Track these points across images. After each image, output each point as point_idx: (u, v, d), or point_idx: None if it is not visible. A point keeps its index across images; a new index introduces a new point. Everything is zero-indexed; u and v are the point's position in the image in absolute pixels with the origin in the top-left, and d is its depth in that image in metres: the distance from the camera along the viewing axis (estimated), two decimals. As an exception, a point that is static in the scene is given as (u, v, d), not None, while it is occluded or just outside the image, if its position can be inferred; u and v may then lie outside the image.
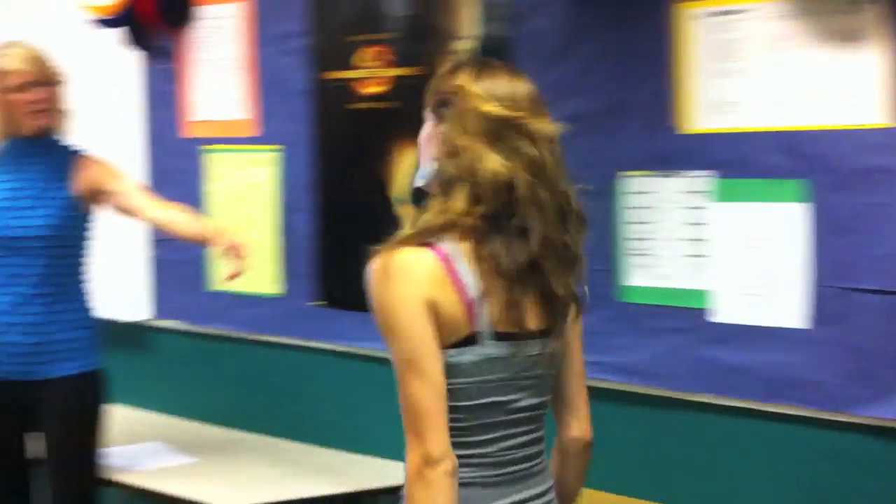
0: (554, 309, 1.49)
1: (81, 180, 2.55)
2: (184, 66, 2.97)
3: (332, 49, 2.66)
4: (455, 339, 1.42)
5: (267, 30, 2.80)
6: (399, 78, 2.55)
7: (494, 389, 1.46)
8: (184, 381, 3.10)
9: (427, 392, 1.39)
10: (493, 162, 1.41)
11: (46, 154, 2.57)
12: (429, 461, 1.37)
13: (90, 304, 2.61)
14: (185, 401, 3.09)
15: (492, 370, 1.45)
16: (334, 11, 2.67)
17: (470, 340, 1.43)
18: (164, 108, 3.02)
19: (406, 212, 2.57)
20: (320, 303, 2.76)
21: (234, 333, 2.98)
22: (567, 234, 1.47)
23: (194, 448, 2.82)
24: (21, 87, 2.49)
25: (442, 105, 1.48)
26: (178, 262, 3.01)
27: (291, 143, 2.78)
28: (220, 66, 2.90)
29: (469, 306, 1.41)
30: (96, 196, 2.55)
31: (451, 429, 1.42)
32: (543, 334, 1.49)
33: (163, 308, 3.09)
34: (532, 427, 1.52)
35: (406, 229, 1.47)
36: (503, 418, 1.48)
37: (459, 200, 1.42)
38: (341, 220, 2.70)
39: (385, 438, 2.63)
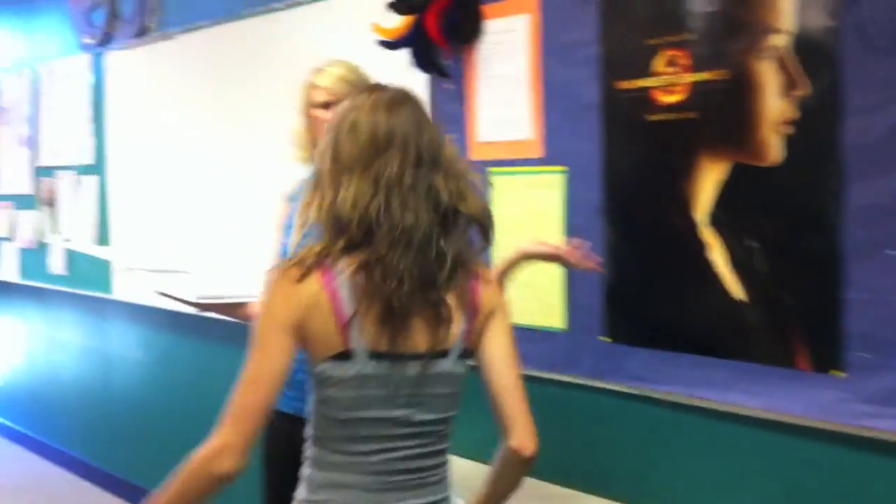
0: (447, 330, 1.60)
1: None
2: (470, 85, 2.83)
3: (627, 55, 2.40)
4: (330, 354, 1.56)
5: (553, 40, 2.59)
6: (701, 83, 2.24)
7: (375, 404, 1.58)
8: (461, 418, 2.93)
9: (253, 401, 1.54)
10: (351, 192, 1.54)
11: None
12: (218, 455, 1.51)
13: None
14: (461, 437, 2.91)
15: (368, 386, 1.57)
16: (630, 13, 2.39)
17: (345, 356, 1.56)
18: (452, 129, 2.89)
19: (709, 235, 2.25)
20: (606, 338, 2.49)
21: (516, 369, 2.78)
22: (439, 259, 1.56)
23: (467, 491, 2.61)
24: (325, 105, 2.41)
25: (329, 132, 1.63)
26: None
27: (578, 162, 2.54)
28: (506, 83, 2.73)
29: (344, 326, 1.55)
30: None
31: (336, 437, 1.60)
32: (437, 355, 1.60)
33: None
34: (427, 441, 1.65)
35: (304, 250, 1.59)
36: (389, 432, 1.60)
37: (327, 232, 1.57)
38: (634, 246, 2.42)
39: (680, 493, 2.32)
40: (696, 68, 2.25)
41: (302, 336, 1.57)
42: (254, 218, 3.63)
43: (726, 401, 2.26)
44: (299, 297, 1.55)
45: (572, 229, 2.56)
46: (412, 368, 1.59)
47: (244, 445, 1.52)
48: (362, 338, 1.55)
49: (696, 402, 2.33)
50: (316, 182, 1.61)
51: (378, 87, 1.67)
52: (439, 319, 1.59)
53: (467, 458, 2.86)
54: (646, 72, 2.35)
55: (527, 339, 2.67)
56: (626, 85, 2.40)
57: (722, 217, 2.23)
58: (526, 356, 2.72)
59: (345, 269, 1.56)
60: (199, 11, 4.00)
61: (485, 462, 2.86)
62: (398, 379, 1.58)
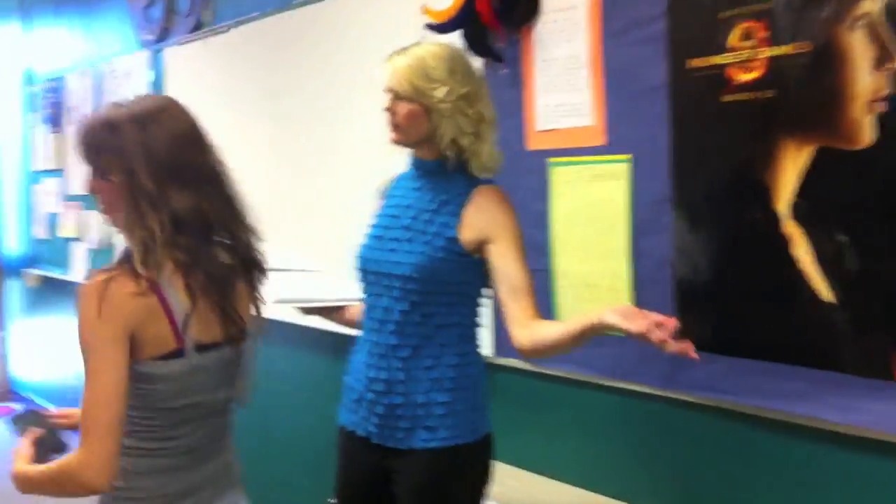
0: (251, 315, 1.83)
1: (468, 225, 2.08)
2: (526, 70, 2.63)
3: (698, 30, 2.16)
4: (162, 352, 1.65)
5: (616, 18, 2.37)
6: (782, 58, 2.00)
7: (197, 392, 1.71)
8: (524, 427, 2.73)
9: (107, 418, 1.57)
10: (187, 198, 1.64)
11: (442, 182, 2.13)
12: (85, 471, 1.56)
13: (467, 362, 2.13)
14: (525, 449, 2.71)
15: (196, 377, 1.69)
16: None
17: (177, 353, 1.66)
18: (508, 116, 2.69)
19: (792, 229, 2.01)
20: (678, 343, 2.26)
21: (579, 376, 2.56)
22: (254, 251, 1.81)
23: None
24: (387, 91, 2.13)
25: (105, 153, 1.68)
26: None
27: (645, 150, 2.31)
28: (565, 66, 2.51)
29: (175, 327, 1.65)
30: (479, 248, 2.08)
31: (152, 426, 1.69)
32: (244, 337, 1.79)
33: (503, 346, 2.75)
34: (226, 416, 1.83)
35: (127, 258, 1.65)
36: (202, 413, 1.74)
37: (154, 240, 1.62)
38: (707, 242, 2.19)
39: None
40: (775, 42, 2.01)
41: (133, 342, 1.62)
42: (317, 213, 3.50)
43: (809, 415, 2.02)
44: (130, 306, 1.60)
45: (639, 223, 2.34)
46: (229, 353, 1.76)
47: (110, 461, 1.58)
48: (192, 334, 1.67)
49: (775, 416, 2.10)
50: (136, 197, 1.63)
51: (153, 97, 1.76)
52: (248, 306, 1.81)
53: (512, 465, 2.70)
54: (719, 48, 2.11)
55: (591, 343, 2.44)
56: (697, 63, 2.17)
57: (806, 208, 1.99)
58: (590, 362, 2.52)
59: (171, 271, 1.65)
60: (251, 3, 3.88)
61: (526, 469, 2.69)
62: (219, 365, 1.74)
